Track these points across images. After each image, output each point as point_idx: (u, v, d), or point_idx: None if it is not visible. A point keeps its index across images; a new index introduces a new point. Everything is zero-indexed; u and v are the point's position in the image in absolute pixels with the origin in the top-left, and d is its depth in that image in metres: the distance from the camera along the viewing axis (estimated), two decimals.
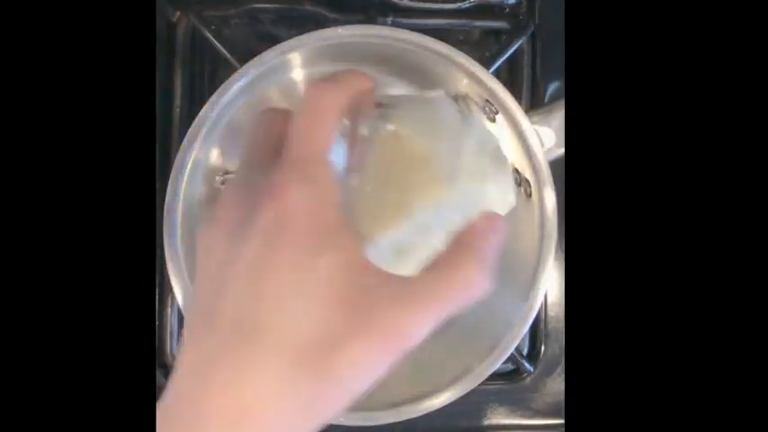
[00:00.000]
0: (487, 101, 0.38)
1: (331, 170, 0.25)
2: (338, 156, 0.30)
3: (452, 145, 0.31)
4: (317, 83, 0.26)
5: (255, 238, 0.23)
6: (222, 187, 0.31)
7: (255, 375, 0.21)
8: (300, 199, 0.23)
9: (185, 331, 0.24)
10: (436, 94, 0.35)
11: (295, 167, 0.24)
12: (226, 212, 0.25)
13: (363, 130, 0.31)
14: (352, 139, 0.30)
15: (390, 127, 0.32)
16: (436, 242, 0.29)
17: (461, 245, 0.25)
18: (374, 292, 0.22)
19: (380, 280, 0.23)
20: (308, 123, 0.25)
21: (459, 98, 0.33)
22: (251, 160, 0.27)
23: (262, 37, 0.45)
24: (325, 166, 0.24)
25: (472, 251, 0.24)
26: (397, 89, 0.43)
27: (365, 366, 0.22)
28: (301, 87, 0.42)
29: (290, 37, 0.35)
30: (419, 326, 0.22)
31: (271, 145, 0.27)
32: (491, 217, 0.26)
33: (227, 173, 0.38)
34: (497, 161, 0.34)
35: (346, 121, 0.30)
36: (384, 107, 0.33)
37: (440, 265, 0.24)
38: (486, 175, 0.33)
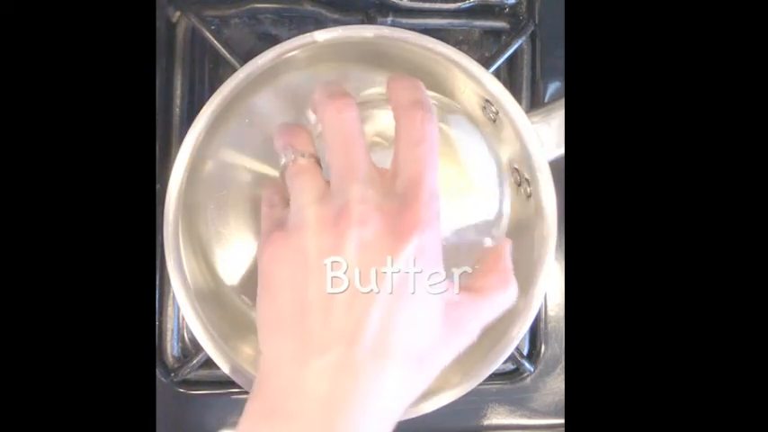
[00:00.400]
0: (487, 101, 0.37)
1: None
2: None
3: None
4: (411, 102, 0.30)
5: (399, 263, 0.27)
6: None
7: (386, 381, 0.26)
8: (433, 237, 0.27)
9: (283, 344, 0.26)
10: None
11: (429, 205, 0.27)
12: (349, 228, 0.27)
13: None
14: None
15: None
16: None
17: (500, 270, 0.31)
18: (459, 308, 0.29)
19: (460, 298, 0.29)
20: (425, 154, 0.29)
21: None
22: (357, 176, 0.28)
23: (262, 37, 0.45)
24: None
25: (507, 274, 0.31)
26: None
27: (448, 361, 0.29)
28: (301, 88, 0.42)
29: (290, 37, 0.35)
30: (479, 330, 0.30)
31: (367, 155, 0.29)
32: (507, 240, 0.33)
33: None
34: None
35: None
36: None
37: (490, 287, 0.30)
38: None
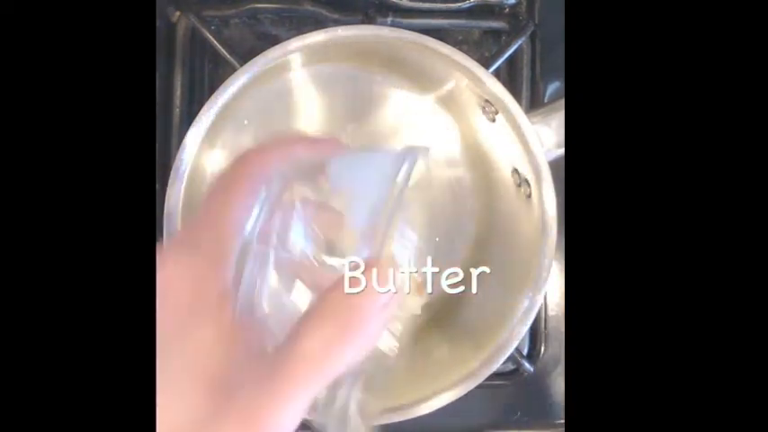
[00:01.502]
0: (487, 101, 0.38)
1: (226, 240, 0.23)
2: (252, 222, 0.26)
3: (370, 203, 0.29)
4: (243, 152, 0.25)
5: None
6: None
7: None
8: (178, 270, 0.22)
9: None
10: (384, 153, 0.30)
11: (183, 238, 0.24)
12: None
13: (291, 196, 0.27)
14: (275, 205, 0.26)
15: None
16: None
17: (314, 311, 0.22)
18: (243, 370, 0.21)
19: (251, 354, 0.22)
20: (220, 191, 0.25)
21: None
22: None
23: (262, 37, 0.45)
24: (221, 236, 0.23)
25: (322, 316, 0.22)
26: (396, 89, 0.43)
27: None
28: (300, 88, 0.42)
29: (290, 37, 0.35)
30: (280, 413, 0.21)
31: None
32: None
33: None
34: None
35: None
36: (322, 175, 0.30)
37: (296, 335, 0.22)
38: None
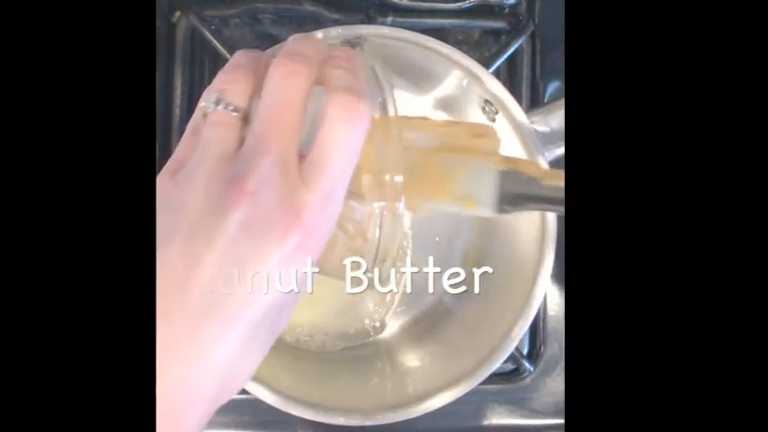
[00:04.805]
0: (487, 101, 0.37)
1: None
2: None
3: None
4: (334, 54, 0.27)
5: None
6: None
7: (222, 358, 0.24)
8: (319, 236, 0.25)
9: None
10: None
11: (327, 197, 0.25)
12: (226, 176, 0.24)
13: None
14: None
15: None
16: None
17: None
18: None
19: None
20: (339, 136, 0.25)
21: None
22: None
23: (262, 37, 0.45)
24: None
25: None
26: (396, 89, 0.43)
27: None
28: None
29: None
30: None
31: (296, 131, 0.25)
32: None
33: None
34: None
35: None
36: None
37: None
38: None
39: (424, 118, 0.31)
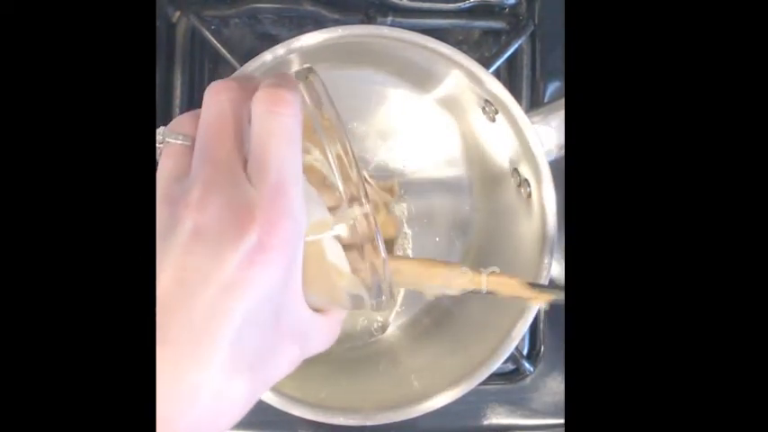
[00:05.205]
0: (487, 101, 0.38)
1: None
2: None
3: None
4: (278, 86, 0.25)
5: (234, 258, 0.23)
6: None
7: (201, 396, 0.23)
8: (282, 233, 0.23)
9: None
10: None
11: (277, 190, 0.23)
12: (201, 215, 0.23)
13: None
14: None
15: None
16: None
17: (337, 314, 0.29)
18: (299, 318, 0.26)
19: (307, 314, 0.26)
20: (273, 126, 0.24)
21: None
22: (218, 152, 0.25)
23: (262, 37, 0.45)
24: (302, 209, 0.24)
25: (339, 321, 0.29)
26: (396, 89, 0.43)
27: (282, 372, 0.26)
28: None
29: (290, 37, 0.35)
30: (309, 352, 0.27)
31: (231, 143, 0.25)
32: None
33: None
34: None
35: None
36: None
37: (329, 324, 0.28)
38: None
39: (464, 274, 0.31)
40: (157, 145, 0.27)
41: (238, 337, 0.23)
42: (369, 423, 0.37)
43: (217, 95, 0.26)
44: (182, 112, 0.43)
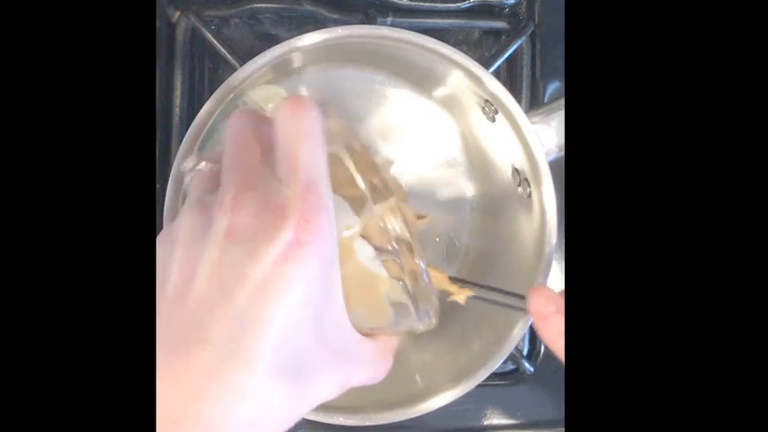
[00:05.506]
0: (487, 101, 0.38)
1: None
2: None
3: None
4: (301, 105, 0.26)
5: (266, 257, 0.23)
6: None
7: (247, 396, 0.22)
8: (314, 230, 0.23)
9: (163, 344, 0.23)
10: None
11: (309, 188, 0.24)
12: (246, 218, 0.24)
13: None
14: None
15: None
16: None
17: (388, 342, 0.29)
18: (344, 337, 0.26)
19: (352, 335, 0.26)
20: (297, 126, 0.25)
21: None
22: (246, 169, 0.25)
23: (262, 37, 0.45)
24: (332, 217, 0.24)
25: (391, 350, 0.29)
26: (397, 89, 0.43)
27: (327, 392, 0.25)
28: (300, 88, 0.42)
29: (290, 37, 0.35)
30: (357, 378, 0.27)
31: (257, 155, 0.26)
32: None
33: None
34: None
35: None
36: None
37: (378, 351, 0.28)
38: None
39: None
40: (187, 173, 0.28)
41: (280, 340, 0.23)
42: (369, 423, 0.37)
43: (237, 119, 0.27)
44: (182, 112, 0.43)
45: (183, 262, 0.24)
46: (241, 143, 0.26)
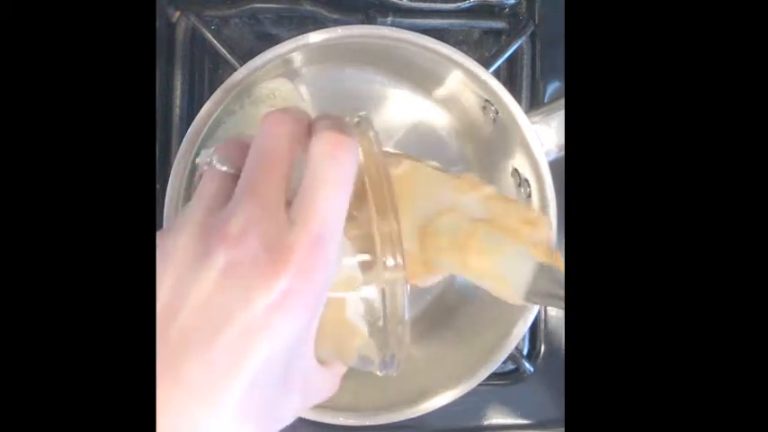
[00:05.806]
0: (487, 101, 0.38)
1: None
2: None
3: None
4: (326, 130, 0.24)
5: (265, 296, 0.22)
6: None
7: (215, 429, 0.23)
8: (311, 279, 0.23)
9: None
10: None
11: (317, 240, 0.23)
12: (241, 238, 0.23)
13: None
14: None
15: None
16: None
17: (341, 368, 0.29)
18: (307, 371, 0.26)
19: (314, 366, 0.26)
20: (325, 170, 0.24)
21: None
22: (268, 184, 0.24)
23: (262, 37, 0.45)
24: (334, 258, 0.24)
25: (341, 375, 0.29)
26: (397, 89, 0.43)
27: (286, 421, 0.25)
28: (301, 89, 0.42)
29: (290, 37, 0.35)
30: (310, 403, 0.27)
31: (284, 171, 0.25)
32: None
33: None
34: None
35: None
36: None
37: (332, 376, 0.28)
38: None
39: (476, 185, 0.30)
40: (202, 166, 0.27)
41: (253, 383, 0.23)
42: (368, 423, 0.37)
43: (275, 128, 0.25)
44: (182, 112, 0.43)
45: (173, 288, 0.23)
46: (271, 156, 0.25)
